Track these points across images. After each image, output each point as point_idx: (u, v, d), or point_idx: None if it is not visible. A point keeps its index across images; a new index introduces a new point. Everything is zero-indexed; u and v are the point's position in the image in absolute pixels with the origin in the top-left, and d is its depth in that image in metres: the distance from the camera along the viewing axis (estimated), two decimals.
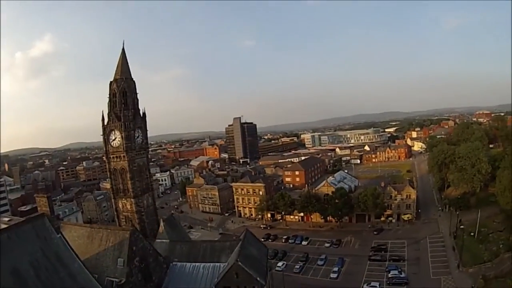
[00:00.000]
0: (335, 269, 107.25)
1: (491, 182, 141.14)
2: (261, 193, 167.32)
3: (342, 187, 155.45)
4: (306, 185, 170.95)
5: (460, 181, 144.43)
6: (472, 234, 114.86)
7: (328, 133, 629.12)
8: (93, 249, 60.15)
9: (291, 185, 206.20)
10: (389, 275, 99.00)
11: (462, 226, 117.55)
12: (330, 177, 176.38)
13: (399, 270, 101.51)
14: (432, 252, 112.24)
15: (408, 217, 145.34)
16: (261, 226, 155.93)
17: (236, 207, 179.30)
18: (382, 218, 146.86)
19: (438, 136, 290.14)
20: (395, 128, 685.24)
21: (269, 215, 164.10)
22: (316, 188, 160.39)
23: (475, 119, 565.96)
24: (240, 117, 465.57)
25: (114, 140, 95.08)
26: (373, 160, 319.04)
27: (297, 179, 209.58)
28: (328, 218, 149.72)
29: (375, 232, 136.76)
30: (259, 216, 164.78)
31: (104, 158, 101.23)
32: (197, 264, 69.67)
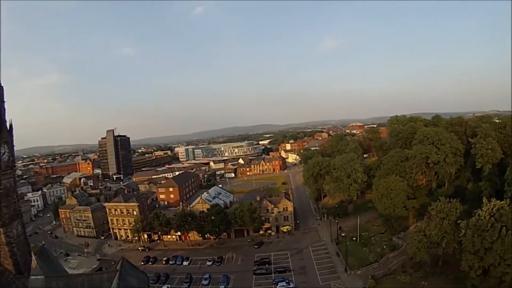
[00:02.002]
0: (222, 287, 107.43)
1: (367, 190, 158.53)
2: (135, 213, 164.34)
3: (217, 203, 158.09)
4: (181, 203, 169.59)
5: (337, 191, 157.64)
6: (354, 239, 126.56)
7: (201, 146, 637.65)
8: None
9: (166, 203, 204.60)
10: (278, 287, 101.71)
11: (343, 234, 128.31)
12: (205, 193, 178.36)
13: (287, 281, 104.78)
14: (316, 260, 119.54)
15: (287, 229, 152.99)
16: (139, 248, 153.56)
17: (111, 229, 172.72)
18: (261, 232, 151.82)
19: (312, 148, 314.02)
20: (269, 141, 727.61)
21: (146, 236, 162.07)
22: (191, 206, 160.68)
23: (348, 130, 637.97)
24: (113, 130, 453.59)
25: None
26: (248, 173, 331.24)
27: (172, 195, 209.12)
28: (206, 235, 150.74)
29: (256, 246, 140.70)
30: (136, 238, 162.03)
31: None
32: None
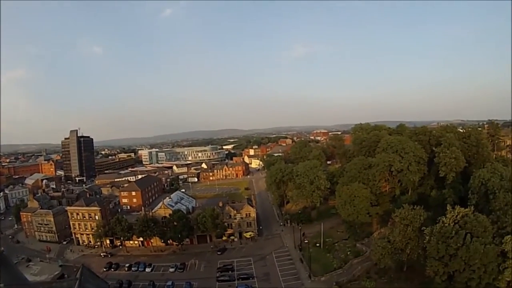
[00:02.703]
0: None
1: (330, 196, 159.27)
2: (97, 217, 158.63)
3: (180, 208, 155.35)
4: (143, 208, 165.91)
5: (299, 197, 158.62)
6: (317, 245, 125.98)
7: (165, 149, 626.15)
8: None
9: (129, 207, 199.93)
10: None
11: (306, 240, 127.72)
12: (167, 198, 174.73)
13: None
14: (280, 266, 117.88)
15: (250, 235, 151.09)
16: (102, 254, 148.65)
17: (73, 234, 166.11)
18: (224, 238, 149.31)
19: (275, 154, 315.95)
20: (233, 145, 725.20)
21: (108, 242, 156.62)
22: (153, 211, 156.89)
23: (312, 137, 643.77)
24: (77, 130, 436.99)
25: None
26: (211, 178, 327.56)
27: (134, 200, 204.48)
28: (168, 241, 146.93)
29: (218, 252, 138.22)
30: (98, 243, 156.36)
31: None
32: None
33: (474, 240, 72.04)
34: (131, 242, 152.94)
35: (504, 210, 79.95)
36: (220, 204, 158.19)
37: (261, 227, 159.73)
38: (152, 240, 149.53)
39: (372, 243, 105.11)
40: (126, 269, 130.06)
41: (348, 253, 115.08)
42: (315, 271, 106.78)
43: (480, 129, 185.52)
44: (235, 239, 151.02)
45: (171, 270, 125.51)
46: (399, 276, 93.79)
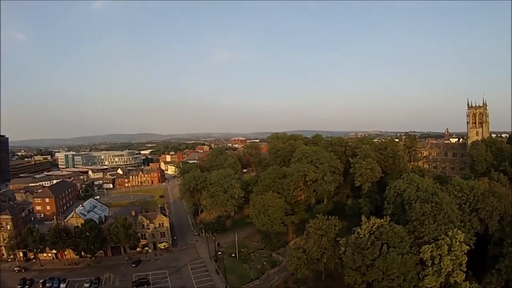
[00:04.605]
0: None
1: (245, 205, 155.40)
2: (9, 227, 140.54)
3: (92, 218, 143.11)
4: (55, 217, 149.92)
5: (213, 206, 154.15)
6: (233, 255, 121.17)
7: (82, 153, 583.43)
8: None
9: (43, 215, 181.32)
10: None
11: (219, 251, 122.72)
12: (80, 206, 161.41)
13: None
14: (196, 278, 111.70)
15: (164, 245, 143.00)
16: (15, 269, 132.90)
17: None
18: (138, 249, 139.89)
19: (191, 162, 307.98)
20: (150, 151, 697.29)
21: (21, 254, 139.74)
22: (65, 220, 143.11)
23: (230, 144, 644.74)
24: None
25: None
26: (126, 184, 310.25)
27: (48, 207, 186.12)
28: (82, 253, 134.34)
29: (133, 265, 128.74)
30: (12, 257, 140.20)
31: None
32: None
33: (390, 251, 71.34)
34: (44, 254, 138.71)
35: (420, 220, 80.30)
36: (133, 213, 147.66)
37: (175, 237, 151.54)
38: (65, 252, 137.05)
39: (287, 253, 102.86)
40: (40, 285, 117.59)
41: (265, 263, 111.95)
42: (232, 282, 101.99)
43: (397, 140, 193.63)
44: (149, 250, 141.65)
45: (86, 285, 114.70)
46: (317, 285, 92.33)
